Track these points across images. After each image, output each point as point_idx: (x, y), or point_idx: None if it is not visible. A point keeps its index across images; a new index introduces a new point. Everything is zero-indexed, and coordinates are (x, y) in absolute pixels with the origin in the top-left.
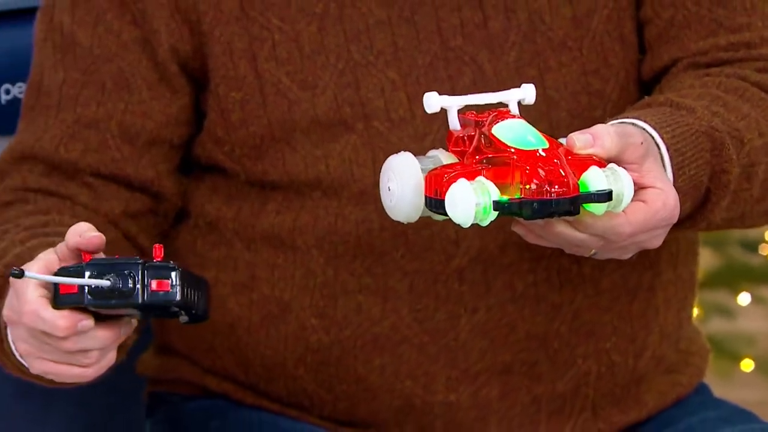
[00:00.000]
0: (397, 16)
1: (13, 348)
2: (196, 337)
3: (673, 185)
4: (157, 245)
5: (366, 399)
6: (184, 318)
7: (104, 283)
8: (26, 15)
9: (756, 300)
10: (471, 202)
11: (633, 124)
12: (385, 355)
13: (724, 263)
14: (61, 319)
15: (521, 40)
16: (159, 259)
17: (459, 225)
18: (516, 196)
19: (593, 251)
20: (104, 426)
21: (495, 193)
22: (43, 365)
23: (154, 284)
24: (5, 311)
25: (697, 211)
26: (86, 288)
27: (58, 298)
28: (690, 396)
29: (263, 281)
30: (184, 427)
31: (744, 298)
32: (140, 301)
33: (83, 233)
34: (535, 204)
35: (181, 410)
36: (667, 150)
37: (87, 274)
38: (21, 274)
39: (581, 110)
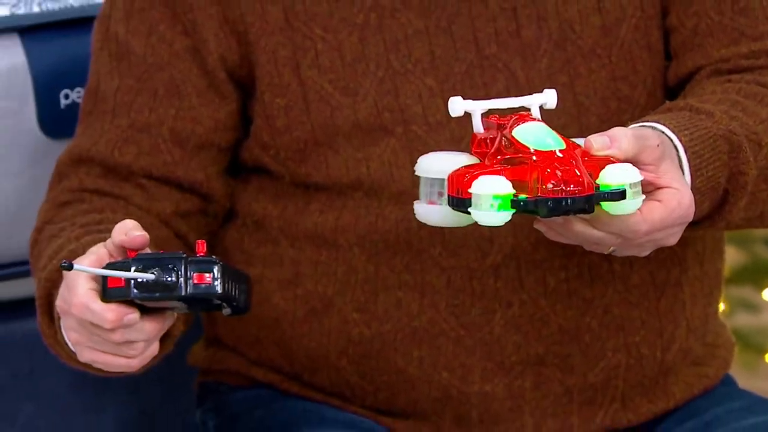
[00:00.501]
0: (434, 26)
1: (66, 337)
2: (244, 330)
3: (692, 186)
4: (199, 241)
5: (405, 389)
6: (227, 310)
7: (149, 276)
8: (84, 24)
9: None
10: (489, 200)
11: (652, 127)
12: (423, 347)
13: (749, 260)
14: (109, 312)
15: (552, 48)
16: (201, 254)
17: (479, 222)
18: (533, 195)
19: (612, 248)
20: (156, 414)
21: (512, 192)
22: (91, 354)
23: (196, 278)
24: (58, 301)
25: (716, 211)
26: (132, 282)
27: (106, 291)
28: (716, 387)
29: (307, 277)
30: (233, 416)
31: None
32: (183, 293)
33: (128, 231)
34: (550, 202)
35: (229, 399)
36: (686, 152)
37: (133, 268)
38: (70, 267)
39: (610, 115)
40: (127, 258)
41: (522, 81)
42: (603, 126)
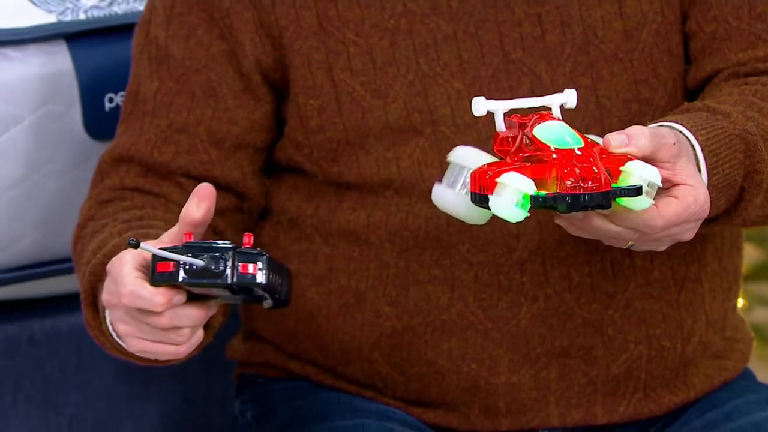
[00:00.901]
0: (462, 31)
1: (111, 329)
2: (280, 324)
3: (708, 183)
4: (247, 233)
5: (435, 380)
6: (268, 302)
7: (198, 262)
8: (127, 30)
9: None
10: (510, 195)
11: (670, 126)
12: (452, 340)
13: (767, 258)
14: (159, 296)
15: (576, 52)
16: (248, 246)
17: (504, 220)
18: (552, 191)
19: (630, 243)
20: (197, 404)
21: (532, 189)
22: (140, 344)
23: (242, 267)
24: (104, 295)
25: (733, 207)
26: (181, 267)
27: (155, 276)
28: (735, 380)
29: (340, 273)
30: (270, 406)
31: None
32: (229, 281)
33: (198, 191)
34: (569, 198)
35: (266, 391)
36: (702, 151)
37: (183, 255)
38: (137, 245)
39: (632, 116)
40: (176, 245)
41: (546, 84)
42: (624, 127)
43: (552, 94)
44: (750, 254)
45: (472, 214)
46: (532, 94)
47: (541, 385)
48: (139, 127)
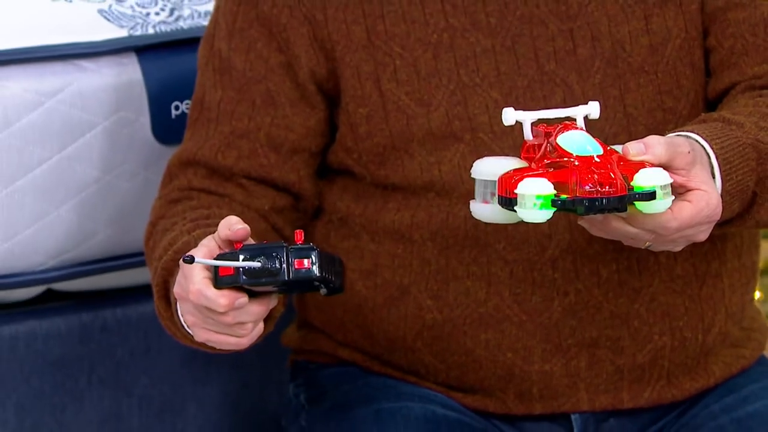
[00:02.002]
0: (500, 45)
1: (182, 320)
2: (331, 315)
3: (722, 189)
4: (297, 231)
5: (473, 368)
6: (323, 290)
7: (256, 264)
8: (193, 43)
9: None
10: (532, 198)
11: (687, 136)
12: (489, 331)
13: None
14: (222, 298)
15: (605, 65)
16: (300, 243)
17: (524, 220)
18: (572, 195)
19: (647, 243)
20: (255, 387)
21: (549, 190)
22: (206, 334)
23: (296, 263)
24: (176, 288)
25: (746, 210)
26: (242, 270)
27: (218, 279)
28: (752, 366)
29: (386, 268)
30: (321, 390)
31: None
32: (286, 278)
33: (231, 225)
34: (586, 201)
35: (318, 376)
36: (716, 159)
37: (241, 257)
38: (191, 260)
39: (656, 124)
40: (234, 249)
41: (577, 94)
42: (649, 134)
43: (582, 104)
44: (766, 249)
45: (508, 217)
46: (564, 103)
47: (571, 372)
48: (204, 133)
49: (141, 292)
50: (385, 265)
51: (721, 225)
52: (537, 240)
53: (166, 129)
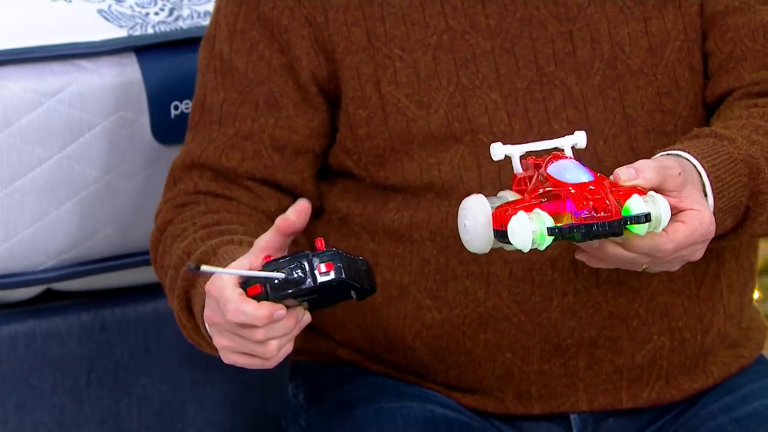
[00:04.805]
0: (499, 47)
1: (209, 336)
2: (330, 315)
3: (715, 206)
4: (318, 239)
5: (472, 368)
6: (354, 295)
7: (279, 275)
8: (192, 44)
9: None
10: (528, 229)
11: (678, 155)
12: (488, 331)
13: None
14: (262, 309)
15: (604, 67)
16: (321, 249)
17: (520, 251)
18: (568, 223)
19: (644, 266)
20: (255, 388)
21: (549, 221)
22: (233, 356)
23: (320, 269)
24: (207, 312)
25: (739, 225)
26: (268, 285)
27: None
28: (751, 366)
29: (385, 268)
30: (321, 389)
31: None
32: (312, 284)
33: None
34: (583, 228)
35: (318, 375)
36: (708, 177)
37: (266, 274)
38: (197, 269)
39: (655, 126)
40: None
41: (577, 96)
42: (649, 135)
43: (582, 104)
44: (765, 250)
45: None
46: (564, 105)
47: (570, 372)
48: (207, 135)
49: (140, 292)
50: (384, 264)
51: (715, 240)
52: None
53: (166, 129)
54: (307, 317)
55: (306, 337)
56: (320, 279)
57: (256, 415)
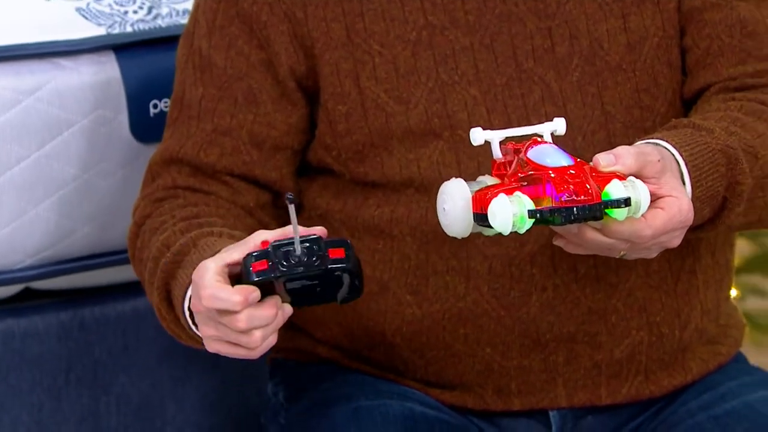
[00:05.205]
0: (478, 43)
1: (192, 327)
2: (310, 312)
3: (692, 195)
4: (321, 228)
5: (452, 363)
6: (342, 292)
7: (299, 251)
8: (171, 42)
9: None
10: (508, 212)
11: (656, 143)
12: (468, 326)
13: (759, 251)
14: (235, 295)
15: (583, 63)
16: (329, 237)
17: (501, 234)
18: (548, 206)
19: (622, 253)
20: (234, 386)
21: (529, 204)
22: (217, 345)
23: (330, 253)
24: (193, 301)
25: (716, 216)
26: (277, 261)
27: (251, 275)
28: (729, 363)
29: (365, 264)
30: (300, 387)
31: None
32: (323, 268)
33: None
34: (563, 210)
35: (297, 373)
36: (686, 166)
37: (275, 250)
38: (293, 201)
39: (634, 121)
40: (260, 248)
41: (555, 92)
42: (627, 131)
43: (561, 100)
44: (743, 248)
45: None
46: (542, 101)
47: (549, 368)
48: (186, 131)
49: (119, 291)
50: (364, 260)
51: (692, 230)
52: (515, 235)
53: (145, 127)
54: (288, 309)
55: (285, 335)
56: (331, 263)
57: (235, 413)
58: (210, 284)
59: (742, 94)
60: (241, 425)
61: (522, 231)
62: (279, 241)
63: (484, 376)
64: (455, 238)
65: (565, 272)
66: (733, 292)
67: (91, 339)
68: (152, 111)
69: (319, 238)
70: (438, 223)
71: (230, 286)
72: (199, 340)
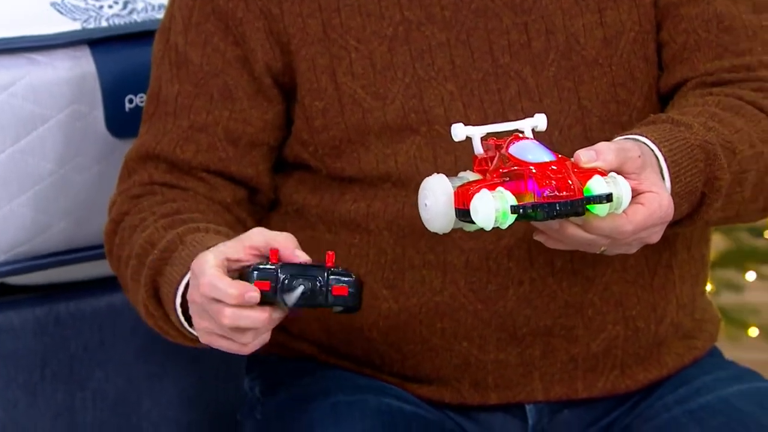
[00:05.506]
0: (455, 38)
1: (181, 318)
2: None
3: (672, 190)
4: (329, 252)
5: (429, 357)
6: (338, 309)
7: (299, 288)
8: (146, 37)
9: (761, 277)
10: (491, 207)
11: (635, 139)
12: (445, 320)
13: (733, 246)
14: (232, 288)
15: (559, 58)
16: (331, 266)
17: (483, 229)
18: (531, 202)
19: (602, 248)
20: (211, 381)
21: (512, 200)
22: (209, 338)
23: (334, 289)
24: (191, 291)
25: (695, 211)
26: (278, 286)
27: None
28: (704, 358)
29: (342, 259)
30: (277, 383)
31: (750, 276)
32: (324, 303)
33: (295, 250)
34: (546, 206)
35: (274, 368)
36: (665, 161)
37: (281, 277)
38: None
39: (610, 116)
40: (267, 260)
41: (532, 87)
42: (604, 126)
43: (537, 96)
44: (718, 243)
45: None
46: (519, 96)
47: (526, 361)
48: (162, 127)
49: (95, 286)
50: (341, 255)
51: (671, 226)
52: (496, 230)
53: (120, 122)
54: (281, 314)
55: None
56: (333, 300)
57: (212, 409)
58: (209, 273)
59: (719, 89)
60: (218, 421)
61: (504, 226)
62: (287, 264)
63: (461, 370)
64: (433, 232)
65: (541, 266)
66: (708, 287)
67: (67, 334)
68: (128, 106)
69: (328, 270)
70: (415, 217)
71: (229, 278)
72: (188, 336)
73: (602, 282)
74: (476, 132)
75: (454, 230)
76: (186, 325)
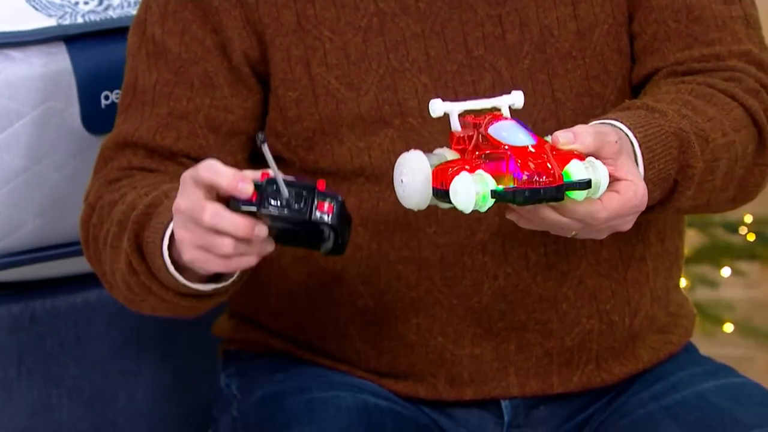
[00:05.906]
0: (429, 30)
1: (165, 254)
2: (263, 303)
3: (644, 177)
4: (320, 180)
5: (405, 353)
6: (326, 246)
7: (285, 193)
8: (122, 33)
9: (735, 273)
10: (471, 191)
11: (611, 124)
12: (420, 315)
13: (708, 242)
14: (243, 220)
15: (533, 50)
16: (322, 190)
17: (461, 211)
18: (510, 186)
19: (574, 232)
20: (185, 378)
21: (492, 184)
22: (192, 252)
23: (319, 205)
24: (179, 200)
25: (667, 198)
26: (266, 196)
27: (235, 202)
28: (680, 353)
29: (318, 254)
30: (253, 379)
31: (725, 272)
32: (307, 218)
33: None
34: (526, 192)
35: (250, 365)
36: (640, 147)
37: (268, 187)
38: (264, 141)
39: (584, 109)
40: (258, 179)
41: (506, 79)
42: (578, 119)
43: (511, 88)
44: (693, 239)
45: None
46: (493, 88)
47: (501, 356)
48: (140, 116)
49: (71, 282)
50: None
51: (642, 213)
52: (467, 224)
53: (96, 119)
54: (270, 245)
55: (238, 326)
56: (315, 216)
57: (187, 405)
58: (209, 161)
59: (691, 78)
60: (193, 417)
61: (483, 210)
62: (276, 178)
63: (436, 365)
64: (407, 227)
65: (516, 260)
66: (683, 283)
67: (43, 331)
68: (104, 102)
69: (315, 188)
70: (390, 213)
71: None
72: (173, 285)
73: (576, 276)
74: (454, 108)
75: (427, 225)
76: (173, 269)
